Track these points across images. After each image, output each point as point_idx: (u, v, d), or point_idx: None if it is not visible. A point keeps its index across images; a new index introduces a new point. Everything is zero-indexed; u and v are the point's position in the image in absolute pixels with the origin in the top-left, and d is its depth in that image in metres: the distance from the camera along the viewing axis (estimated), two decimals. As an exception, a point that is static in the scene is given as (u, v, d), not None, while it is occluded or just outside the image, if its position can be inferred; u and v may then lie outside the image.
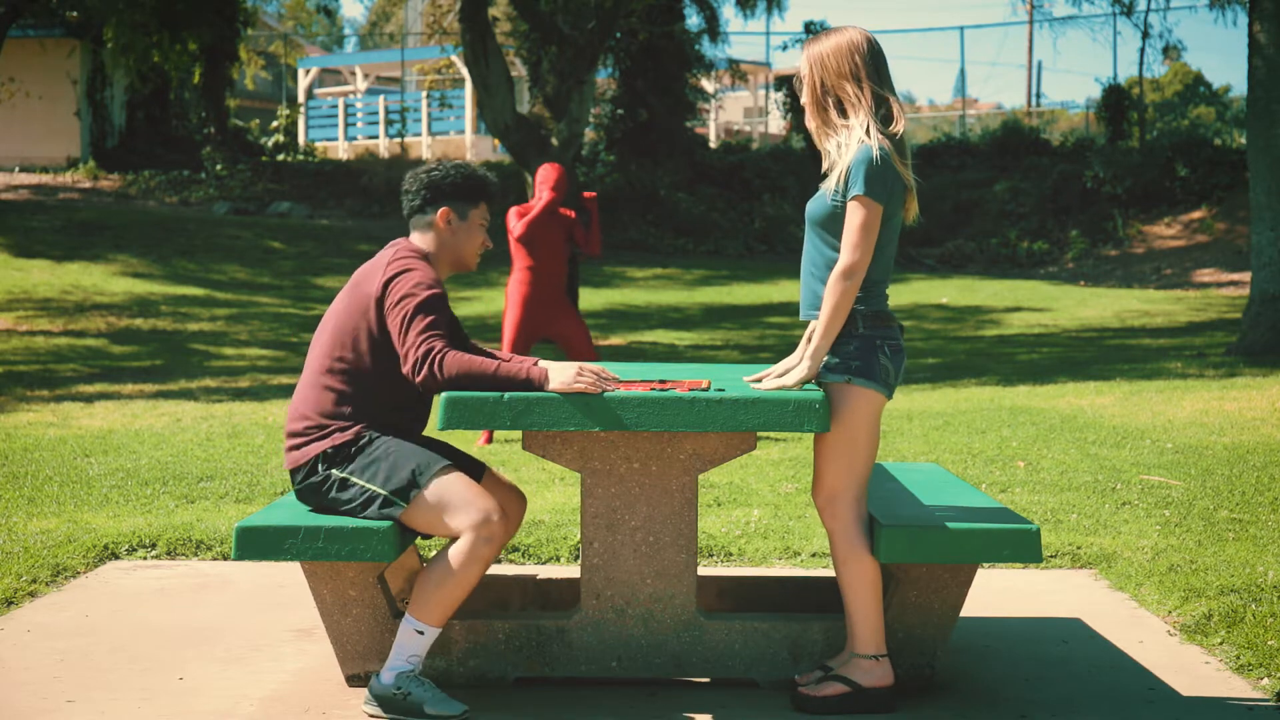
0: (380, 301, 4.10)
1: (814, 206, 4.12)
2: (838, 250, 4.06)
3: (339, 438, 4.12)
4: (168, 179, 27.85)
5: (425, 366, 3.97)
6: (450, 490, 4.03)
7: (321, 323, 4.26)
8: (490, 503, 4.01)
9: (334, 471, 4.11)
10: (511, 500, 4.37)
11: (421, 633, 4.01)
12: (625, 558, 4.24)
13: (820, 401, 3.99)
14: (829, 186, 4.06)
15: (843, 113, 4.05)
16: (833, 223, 4.06)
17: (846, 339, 4.07)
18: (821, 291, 4.08)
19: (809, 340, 4.13)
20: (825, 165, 4.12)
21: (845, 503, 4.06)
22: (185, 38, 20.78)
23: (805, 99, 4.12)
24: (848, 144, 4.03)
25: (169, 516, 6.62)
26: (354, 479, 4.08)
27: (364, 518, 4.08)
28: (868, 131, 4.01)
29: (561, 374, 3.97)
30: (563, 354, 9.41)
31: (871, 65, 4.04)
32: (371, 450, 4.09)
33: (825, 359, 4.07)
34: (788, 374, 4.10)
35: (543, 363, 4.10)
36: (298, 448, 4.16)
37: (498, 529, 3.98)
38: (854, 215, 4.01)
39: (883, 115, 4.04)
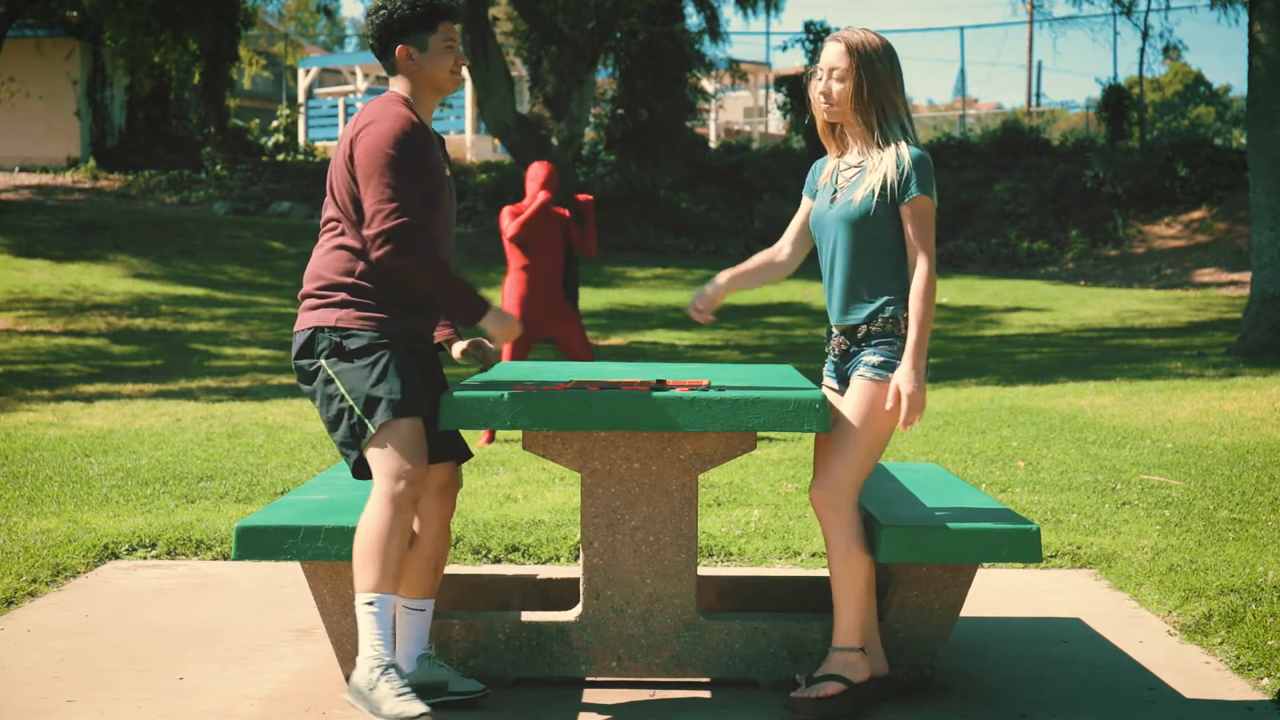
0: (351, 159, 3.96)
1: (847, 209, 4.06)
2: (880, 250, 4.04)
3: (344, 316, 3.95)
4: (168, 179, 27.85)
5: (387, 242, 3.84)
6: (386, 450, 3.88)
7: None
8: (414, 469, 3.87)
9: (324, 363, 3.95)
10: (444, 493, 4.15)
11: (370, 603, 3.85)
12: (625, 557, 4.24)
13: (820, 401, 3.99)
14: (869, 186, 4.02)
15: (883, 115, 4.05)
16: (874, 224, 4.03)
17: (891, 338, 4.05)
18: (864, 294, 4.06)
19: (844, 346, 4.12)
20: (847, 161, 4.10)
21: (852, 496, 4.06)
22: (185, 38, 20.78)
23: (844, 94, 4.04)
24: (890, 146, 4.03)
25: (169, 516, 6.62)
26: (339, 381, 3.93)
27: (336, 440, 3.97)
28: (908, 135, 4.05)
29: (500, 326, 4.01)
30: (559, 354, 9.41)
31: (901, 72, 4.10)
32: (366, 358, 3.92)
33: (871, 357, 4.05)
34: (907, 401, 4.00)
35: (494, 312, 4.01)
36: (308, 310, 4.02)
37: (406, 496, 3.85)
38: (922, 215, 4.02)
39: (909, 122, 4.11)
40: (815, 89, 4.11)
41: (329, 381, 3.94)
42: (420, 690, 4.08)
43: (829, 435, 4.08)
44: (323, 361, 3.96)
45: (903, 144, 4.04)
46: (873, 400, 4.03)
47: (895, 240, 4.06)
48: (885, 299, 4.07)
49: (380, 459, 3.90)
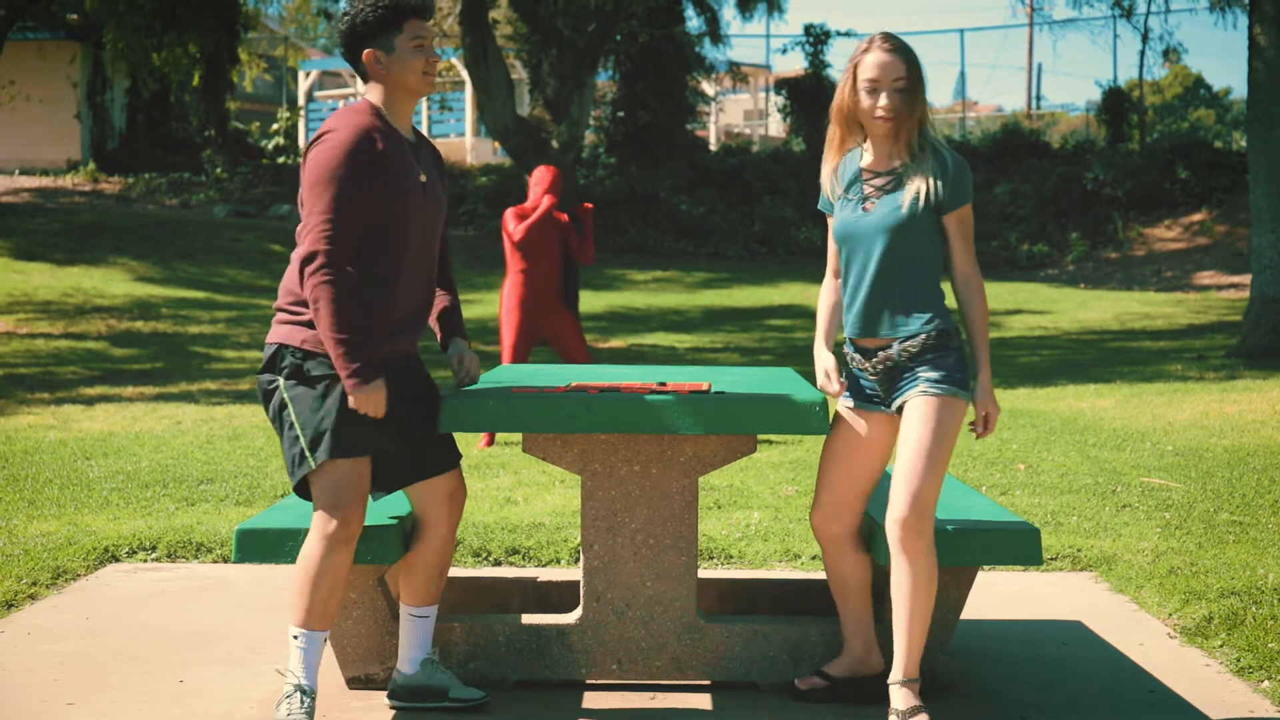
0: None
1: (893, 217, 3.93)
2: (921, 261, 3.94)
3: (309, 337, 3.81)
4: (168, 182, 27.85)
5: (307, 264, 3.72)
6: (322, 485, 3.81)
7: None
8: (348, 510, 3.78)
9: (281, 383, 3.84)
10: (451, 501, 4.08)
11: (295, 637, 3.82)
12: (625, 560, 4.24)
13: (820, 404, 3.99)
14: (914, 194, 3.90)
15: (924, 121, 3.97)
16: (918, 233, 3.92)
17: (946, 351, 3.93)
18: (910, 307, 3.93)
19: (888, 362, 3.95)
20: (871, 169, 3.98)
21: (933, 520, 3.89)
22: (185, 41, 20.79)
23: (906, 103, 3.90)
24: (927, 153, 3.94)
25: (169, 519, 6.62)
26: (291, 407, 3.81)
27: (290, 466, 3.86)
28: (939, 141, 3.98)
29: (363, 398, 3.73)
30: (557, 356, 9.42)
31: None
32: (320, 385, 3.79)
33: (930, 373, 3.91)
34: (988, 418, 3.97)
35: (377, 383, 3.74)
36: (277, 324, 3.90)
37: (339, 535, 3.77)
38: (967, 223, 3.96)
39: None
40: (873, 101, 3.92)
41: (283, 406, 3.83)
42: (419, 694, 4.08)
43: (912, 458, 3.88)
44: (280, 381, 3.85)
45: (941, 150, 3.95)
46: (942, 416, 3.87)
47: (935, 250, 3.96)
48: (932, 311, 3.94)
49: (319, 494, 3.81)
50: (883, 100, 3.91)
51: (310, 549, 3.80)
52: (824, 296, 4.19)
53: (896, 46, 3.94)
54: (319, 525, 3.80)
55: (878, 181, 3.98)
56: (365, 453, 3.82)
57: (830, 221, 4.10)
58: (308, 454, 3.80)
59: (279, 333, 3.88)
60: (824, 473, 4.13)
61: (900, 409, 3.96)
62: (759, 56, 43.91)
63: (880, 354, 3.98)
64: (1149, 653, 4.71)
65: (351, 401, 3.75)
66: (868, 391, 4.05)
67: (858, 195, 4.00)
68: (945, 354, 3.93)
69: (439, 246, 4.07)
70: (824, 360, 4.06)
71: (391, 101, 3.91)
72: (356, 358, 3.73)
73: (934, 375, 3.90)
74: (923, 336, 3.93)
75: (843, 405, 4.09)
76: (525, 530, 6.33)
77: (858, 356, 4.04)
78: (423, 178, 3.92)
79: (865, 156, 4.03)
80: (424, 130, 32.68)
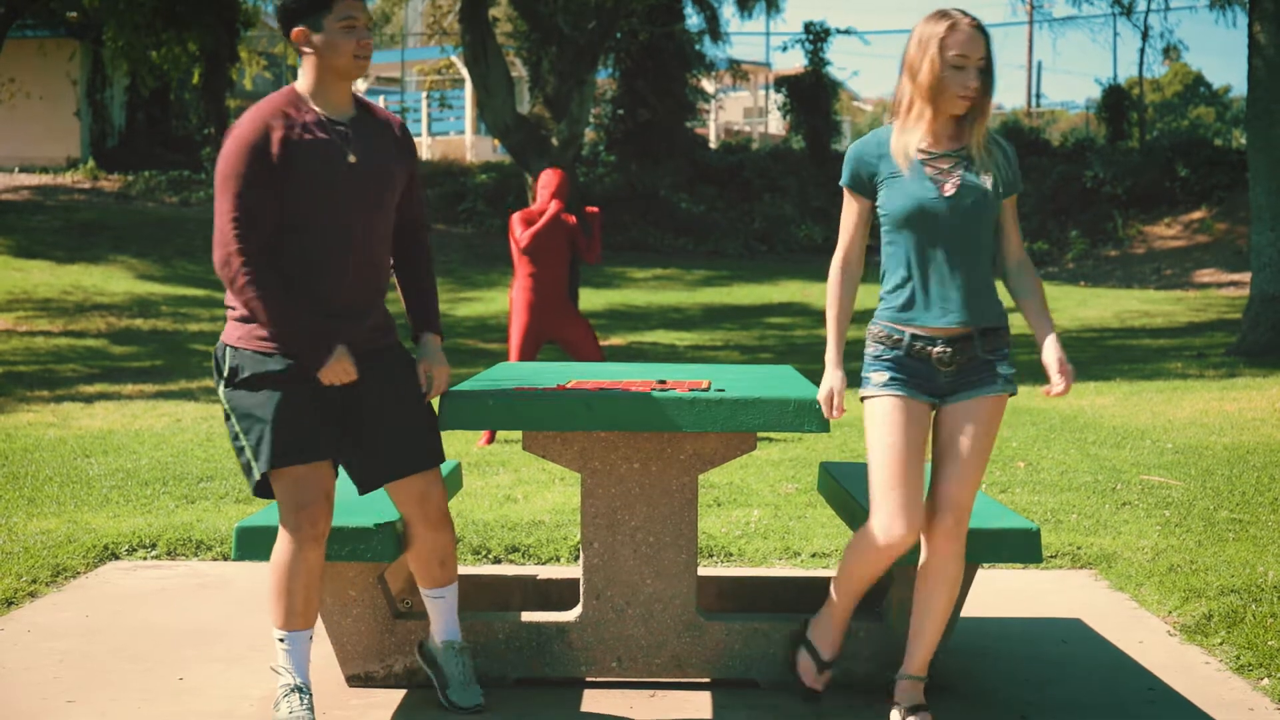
0: None
1: (981, 199, 3.76)
2: (987, 245, 3.81)
3: (244, 335, 3.77)
4: (168, 179, 27.85)
5: (223, 276, 3.68)
6: (281, 486, 3.76)
7: None
8: (306, 511, 3.72)
9: (221, 390, 3.79)
10: (424, 502, 3.96)
11: (280, 640, 3.81)
12: (625, 558, 4.24)
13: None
14: (991, 176, 3.78)
15: None
16: (990, 216, 3.80)
17: (1004, 345, 3.83)
18: (988, 293, 3.81)
19: (967, 353, 3.78)
20: (927, 150, 3.78)
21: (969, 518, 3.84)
22: (185, 38, 20.78)
23: (987, 83, 3.74)
24: (994, 139, 3.85)
25: (169, 517, 6.62)
26: (233, 415, 3.75)
27: (244, 473, 3.83)
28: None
29: (327, 372, 3.71)
30: (567, 357, 9.43)
31: None
32: (258, 391, 3.72)
33: (1004, 369, 3.82)
34: (1066, 376, 3.84)
35: (331, 345, 3.70)
36: (228, 322, 3.85)
37: (305, 535, 3.73)
38: (1015, 207, 3.90)
39: None
40: (961, 79, 3.71)
41: (227, 415, 3.79)
42: (432, 668, 4.10)
43: (967, 456, 3.77)
44: (220, 388, 3.80)
45: (994, 134, 3.86)
46: (996, 417, 3.80)
47: (993, 236, 3.86)
48: (999, 302, 3.86)
49: (281, 496, 3.77)
50: (971, 79, 3.72)
51: (279, 553, 3.77)
52: (839, 293, 3.88)
53: (979, 24, 3.79)
54: (285, 527, 3.76)
55: (942, 164, 3.78)
56: (306, 459, 3.72)
57: (869, 201, 3.84)
58: (253, 464, 3.76)
59: (224, 332, 3.87)
60: (901, 473, 3.78)
61: (956, 401, 3.80)
62: (759, 54, 43.94)
63: (960, 343, 3.79)
64: (1148, 650, 4.71)
65: (322, 379, 3.71)
66: (916, 380, 3.80)
67: (922, 173, 3.76)
68: (1002, 347, 3.84)
69: (385, 229, 3.88)
70: (835, 380, 3.85)
71: (320, 82, 3.80)
72: (305, 341, 3.69)
73: (1007, 372, 3.82)
74: (1000, 328, 3.84)
75: (890, 394, 3.79)
76: (525, 528, 6.33)
77: (918, 344, 3.78)
78: (351, 159, 3.77)
79: (921, 136, 3.80)
80: (424, 129, 32.75)
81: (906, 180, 3.77)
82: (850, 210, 3.88)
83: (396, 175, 3.89)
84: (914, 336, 3.79)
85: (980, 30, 3.77)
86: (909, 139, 3.79)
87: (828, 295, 3.92)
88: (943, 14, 3.78)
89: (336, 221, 3.76)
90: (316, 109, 3.79)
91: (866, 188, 3.84)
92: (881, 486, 3.80)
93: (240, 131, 3.70)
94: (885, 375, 3.79)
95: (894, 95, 3.89)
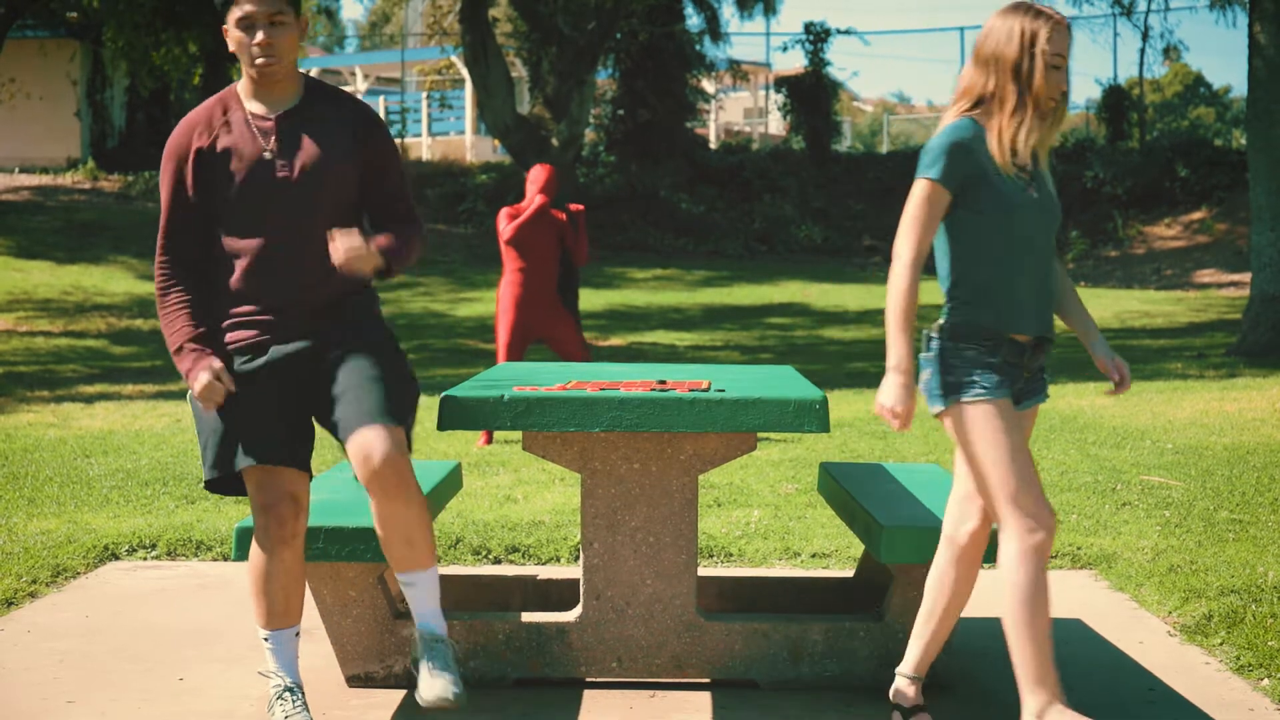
0: None
1: (1054, 203, 3.69)
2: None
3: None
4: (168, 179, 27.82)
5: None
6: (249, 489, 3.76)
7: None
8: (271, 511, 3.70)
9: (188, 395, 3.82)
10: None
11: (265, 640, 3.80)
12: (625, 558, 4.24)
13: (820, 402, 3.99)
14: (1050, 182, 3.71)
15: None
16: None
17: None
18: (1051, 302, 3.79)
19: (1038, 361, 3.77)
20: (1040, 149, 3.66)
21: None
22: (185, 39, 20.78)
23: (1068, 84, 3.60)
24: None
25: (169, 517, 6.62)
26: (195, 423, 3.78)
27: None
28: None
29: (195, 392, 3.69)
30: (554, 355, 9.42)
31: None
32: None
33: (1046, 377, 3.84)
34: (1125, 375, 3.85)
35: (202, 366, 3.67)
36: None
37: (274, 535, 3.71)
38: None
39: None
40: (1056, 80, 3.55)
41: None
42: (413, 666, 3.92)
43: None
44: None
45: None
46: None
47: None
48: None
49: (250, 497, 3.76)
50: (1064, 82, 3.56)
51: (253, 555, 3.78)
52: (913, 298, 3.63)
53: (1069, 23, 3.59)
54: (255, 529, 3.76)
55: (1019, 170, 3.64)
56: (245, 464, 3.69)
57: (951, 198, 3.62)
58: (204, 470, 3.81)
59: None
60: (1032, 469, 3.69)
61: (1019, 409, 3.73)
62: (759, 54, 43.87)
63: (1040, 347, 3.76)
64: (1148, 651, 4.71)
65: (196, 398, 3.71)
66: (1010, 382, 3.68)
67: (1015, 175, 3.60)
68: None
69: (318, 227, 3.71)
70: (908, 391, 3.62)
71: (248, 78, 3.76)
72: (184, 360, 3.71)
73: (1048, 381, 3.86)
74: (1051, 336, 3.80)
75: (1003, 399, 3.64)
76: (525, 528, 6.33)
77: (1014, 349, 3.68)
78: (267, 155, 3.70)
79: (1027, 135, 3.59)
80: (424, 129, 32.73)
81: (1006, 180, 3.59)
82: (933, 206, 3.61)
83: (334, 170, 3.74)
84: (1012, 341, 3.68)
85: (1070, 30, 3.63)
86: (1021, 136, 3.57)
87: (899, 299, 3.62)
88: (1033, 9, 3.58)
89: (254, 221, 3.73)
90: (247, 106, 3.77)
91: (958, 183, 3.61)
92: (1018, 483, 3.64)
93: (169, 141, 3.86)
94: (995, 378, 3.63)
95: (962, 86, 3.67)
